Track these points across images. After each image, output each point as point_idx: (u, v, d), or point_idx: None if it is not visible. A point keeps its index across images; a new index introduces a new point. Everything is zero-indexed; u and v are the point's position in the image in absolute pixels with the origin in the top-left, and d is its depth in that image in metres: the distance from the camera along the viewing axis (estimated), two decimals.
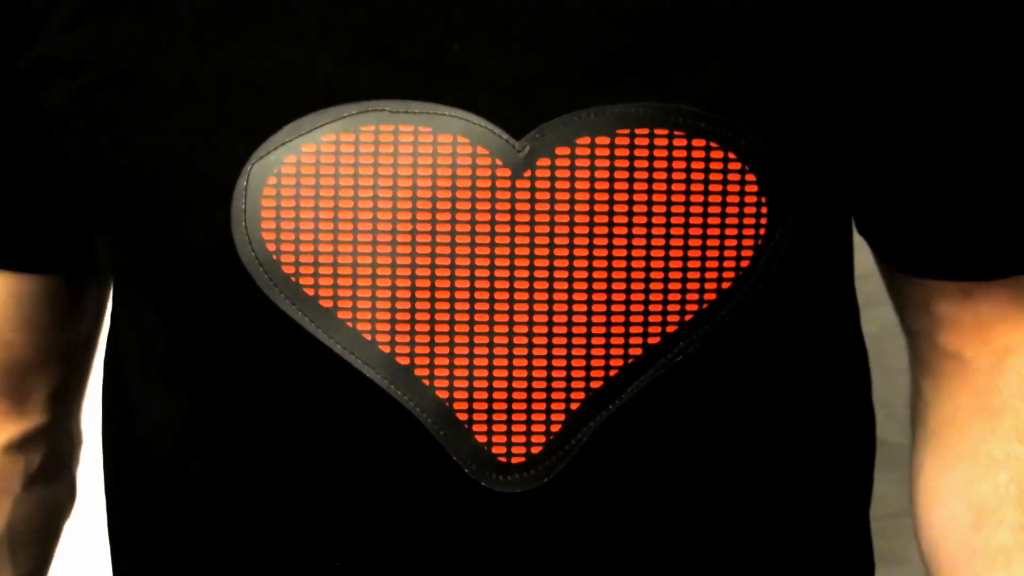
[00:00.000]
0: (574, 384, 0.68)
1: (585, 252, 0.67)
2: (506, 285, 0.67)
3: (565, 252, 0.67)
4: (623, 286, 0.67)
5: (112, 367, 0.79)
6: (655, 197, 0.66)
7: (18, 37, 0.70)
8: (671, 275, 0.67)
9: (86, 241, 0.77)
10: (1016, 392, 0.77)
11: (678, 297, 0.67)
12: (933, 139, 0.72)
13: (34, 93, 0.71)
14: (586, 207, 0.66)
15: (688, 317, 0.68)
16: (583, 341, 0.67)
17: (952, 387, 0.79)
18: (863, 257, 0.81)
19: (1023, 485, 0.75)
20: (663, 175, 0.66)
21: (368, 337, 0.67)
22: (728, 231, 0.67)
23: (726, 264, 0.67)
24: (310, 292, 0.67)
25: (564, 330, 0.67)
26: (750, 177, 0.67)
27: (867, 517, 0.82)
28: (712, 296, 0.68)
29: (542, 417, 0.68)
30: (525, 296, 0.67)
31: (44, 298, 0.80)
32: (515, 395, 0.67)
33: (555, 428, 0.68)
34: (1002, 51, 0.71)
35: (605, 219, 0.66)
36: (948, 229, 0.75)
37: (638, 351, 0.68)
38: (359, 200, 0.66)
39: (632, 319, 0.67)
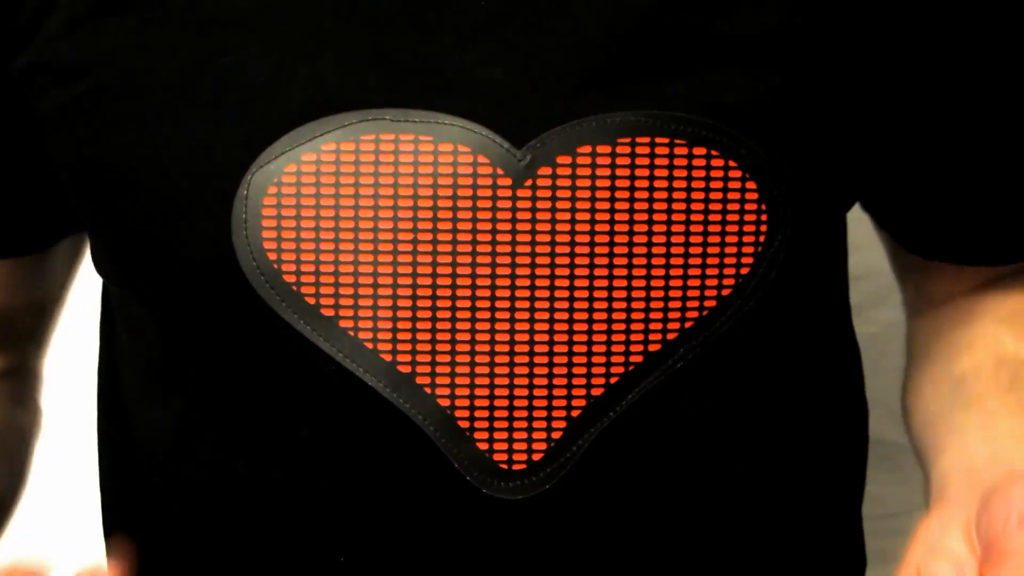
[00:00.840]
0: (575, 391, 0.68)
1: (586, 260, 0.67)
2: (507, 293, 0.67)
3: (566, 260, 0.67)
4: (624, 294, 0.67)
5: (107, 370, 0.80)
6: (656, 205, 0.67)
7: (11, 40, 0.70)
8: (672, 283, 0.67)
9: (65, 226, 0.78)
10: (995, 300, 0.79)
11: (679, 304, 0.68)
12: (943, 134, 0.73)
13: (26, 97, 0.71)
14: (587, 215, 0.66)
15: (688, 324, 0.68)
16: (584, 348, 0.67)
17: (939, 314, 0.81)
18: (861, 259, 0.81)
19: (999, 351, 0.76)
20: (664, 183, 0.66)
21: (370, 345, 0.67)
22: (728, 239, 0.67)
23: (726, 271, 0.68)
24: (311, 301, 0.67)
25: (565, 337, 0.67)
26: (750, 185, 0.67)
27: (859, 514, 0.83)
28: (712, 303, 0.68)
29: (543, 424, 0.68)
30: (526, 304, 0.67)
31: (22, 267, 0.80)
32: (516, 402, 0.68)
33: (556, 435, 0.68)
34: (1007, 41, 0.71)
35: (606, 227, 0.66)
36: (964, 221, 0.76)
37: (639, 358, 0.68)
38: (360, 209, 0.66)
39: (633, 326, 0.67)
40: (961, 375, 0.77)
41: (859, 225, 0.80)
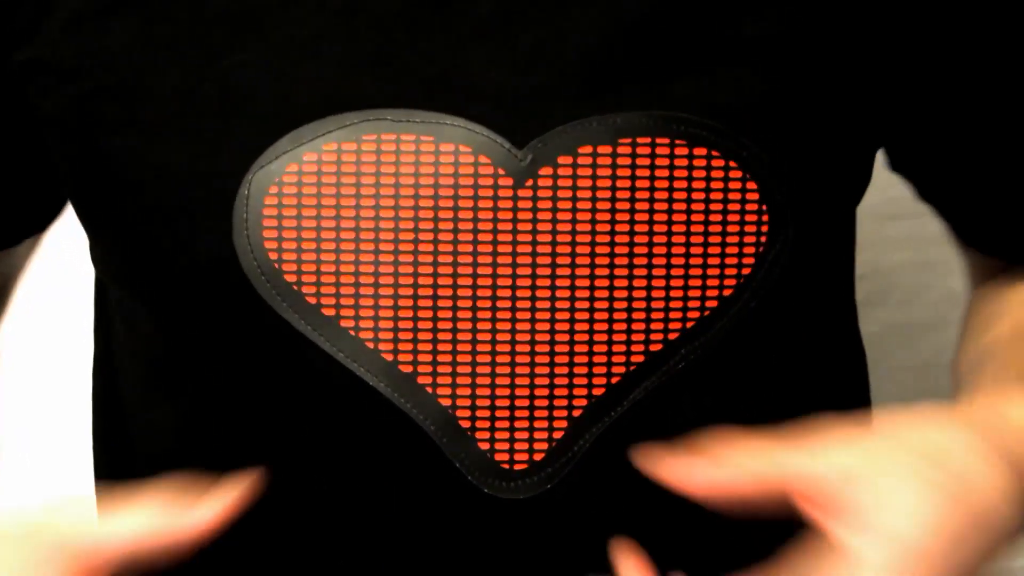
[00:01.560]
0: (576, 391, 0.68)
1: (587, 260, 0.67)
2: (508, 293, 0.67)
3: (567, 260, 0.67)
4: (625, 294, 0.67)
5: (103, 370, 0.79)
6: (657, 205, 0.67)
7: (10, 37, 0.70)
8: (673, 283, 0.67)
9: (43, 220, 0.78)
10: None
11: (680, 305, 0.68)
12: (948, 135, 0.73)
13: (24, 96, 0.71)
14: (588, 215, 0.66)
15: (690, 324, 0.68)
16: (585, 348, 0.67)
17: (986, 287, 0.81)
18: (863, 258, 0.81)
19: (1019, 315, 0.77)
20: (665, 184, 0.66)
21: (371, 345, 0.67)
22: (729, 239, 0.67)
23: (727, 272, 0.68)
24: (312, 301, 0.67)
25: (566, 337, 0.67)
26: (751, 186, 0.67)
27: None
28: (714, 304, 0.68)
29: (544, 424, 0.68)
30: (527, 304, 0.67)
31: None
32: (517, 402, 0.68)
33: (557, 435, 0.68)
34: (1007, 40, 0.72)
35: (607, 227, 0.66)
36: (979, 214, 0.77)
37: (640, 358, 0.68)
38: (361, 209, 0.66)
39: (634, 326, 0.67)
40: (985, 347, 0.78)
41: (860, 225, 0.80)
